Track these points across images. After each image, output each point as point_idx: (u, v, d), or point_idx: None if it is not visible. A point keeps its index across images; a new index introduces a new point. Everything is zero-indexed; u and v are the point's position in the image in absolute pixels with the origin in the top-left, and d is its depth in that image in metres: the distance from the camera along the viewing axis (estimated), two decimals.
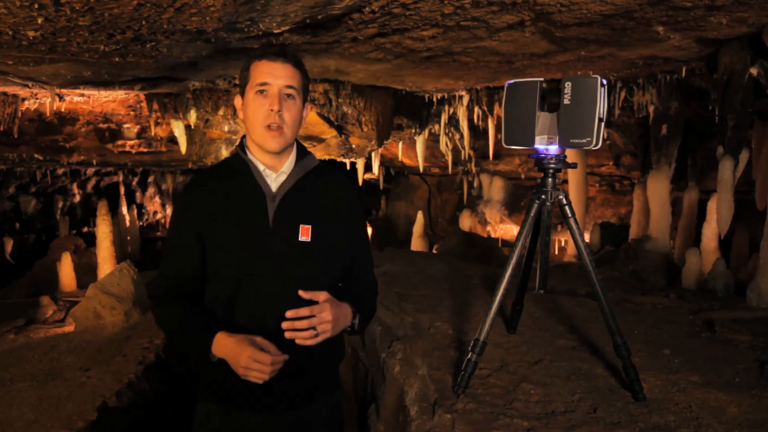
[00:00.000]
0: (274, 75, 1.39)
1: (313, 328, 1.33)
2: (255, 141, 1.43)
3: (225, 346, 1.34)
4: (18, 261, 11.24)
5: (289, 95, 1.40)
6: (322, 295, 1.37)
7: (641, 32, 3.79)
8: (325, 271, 1.46)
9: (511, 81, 2.02)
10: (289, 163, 1.47)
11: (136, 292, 5.48)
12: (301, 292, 1.36)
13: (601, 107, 1.87)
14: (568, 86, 1.89)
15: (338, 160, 8.50)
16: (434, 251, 9.79)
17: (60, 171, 11.04)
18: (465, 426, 1.90)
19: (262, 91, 1.39)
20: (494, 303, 2.06)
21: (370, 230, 11.13)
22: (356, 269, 1.56)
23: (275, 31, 3.66)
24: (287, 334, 1.34)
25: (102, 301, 5.32)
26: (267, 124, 1.39)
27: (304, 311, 1.33)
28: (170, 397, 4.39)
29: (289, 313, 1.33)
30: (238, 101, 1.48)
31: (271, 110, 1.38)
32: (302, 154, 1.51)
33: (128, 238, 12.54)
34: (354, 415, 3.21)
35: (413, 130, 7.77)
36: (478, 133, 8.23)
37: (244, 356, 1.30)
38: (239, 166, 1.46)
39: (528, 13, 3.41)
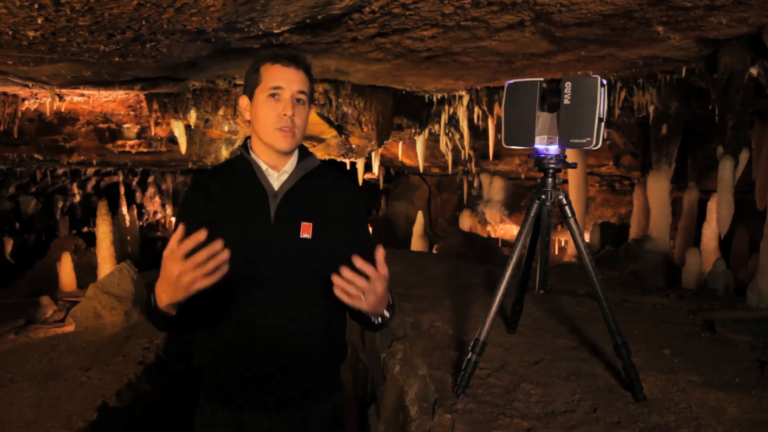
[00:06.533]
0: (288, 80, 1.41)
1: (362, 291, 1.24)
2: (266, 141, 1.44)
3: (157, 286, 1.26)
4: (18, 261, 11.22)
5: (299, 100, 1.43)
6: (384, 270, 1.27)
7: (641, 32, 3.79)
8: (326, 268, 1.46)
9: (511, 81, 2.02)
10: (291, 163, 1.49)
11: (136, 292, 5.48)
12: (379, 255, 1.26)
13: (601, 107, 1.87)
14: (568, 86, 1.89)
15: (338, 160, 8.50)
16: (434, 251, 9.78)
17: (60, 171, 11.04)
18: (465, 426, 1.90)
19: (274, 95, 1.41)
20: (494, 303, 2.06)
21: (370, 230, 11.11)
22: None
23: (275, 31, 3.66)
24: (335, 278, 1.23)
25: (102, 301, 5.32)
26: (279, 126, 1.41)
27: (370, 270, 1.24)
28: (170, 397, 4.39)
29: (358, 263, 1.23)
30: (243, 102, 1.48)
31: (284, 114, 1.40)
32: (304, 154, 1.53)
33: (128, 238, 12.53)
34: (354, 415, 3.21)
35: (413, 130, 7.77)
36: (478, 133, 8.23)
37: (165, 271, 1.19)
38: (241, 165, 1.48)
39: (528, 13, 3.41)
